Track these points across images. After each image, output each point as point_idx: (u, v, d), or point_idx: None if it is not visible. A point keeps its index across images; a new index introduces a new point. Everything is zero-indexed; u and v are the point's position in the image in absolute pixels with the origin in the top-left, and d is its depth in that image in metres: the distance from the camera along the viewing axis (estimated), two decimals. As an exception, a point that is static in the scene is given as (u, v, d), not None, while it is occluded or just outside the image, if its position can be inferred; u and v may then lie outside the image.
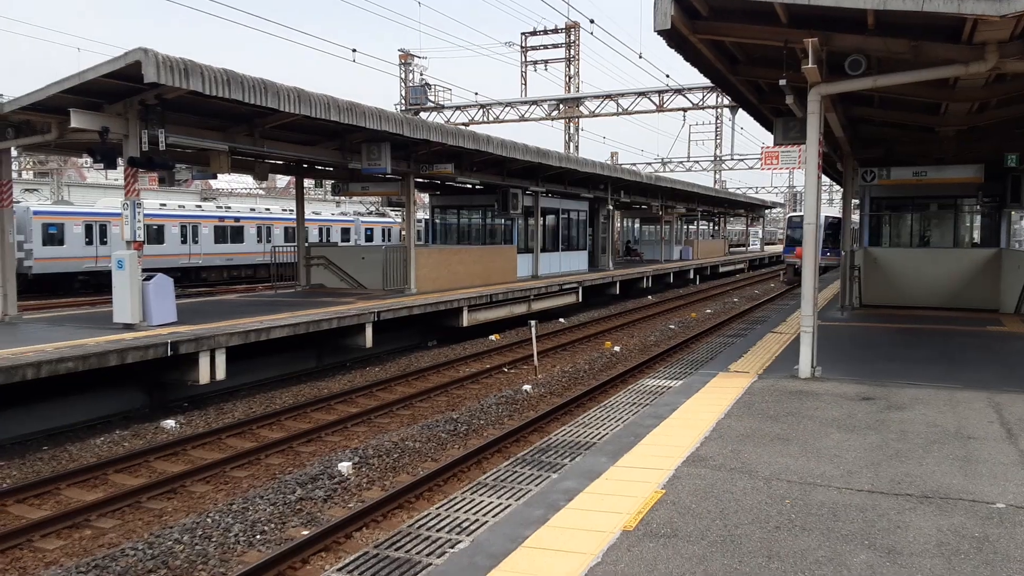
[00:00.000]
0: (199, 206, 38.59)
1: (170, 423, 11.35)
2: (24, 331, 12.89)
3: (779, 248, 76.42)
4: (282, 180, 61.52)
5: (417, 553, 4.94)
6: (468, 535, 5.00)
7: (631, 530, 4.82)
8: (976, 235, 20.67)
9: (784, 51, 9.49)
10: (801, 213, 29.29)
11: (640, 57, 33.70)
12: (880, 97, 12.44)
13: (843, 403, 8.26)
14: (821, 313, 10.09)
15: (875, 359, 11.01)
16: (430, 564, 4.68)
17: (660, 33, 8.98)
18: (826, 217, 35.18)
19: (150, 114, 12.80)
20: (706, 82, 18.67)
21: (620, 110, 36.07)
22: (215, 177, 17.59)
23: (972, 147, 16.60)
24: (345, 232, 45.69)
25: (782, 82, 9.64)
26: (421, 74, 42.66)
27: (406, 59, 43.22)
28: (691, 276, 39.63)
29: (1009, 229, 18.49)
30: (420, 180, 22.02)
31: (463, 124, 38.16)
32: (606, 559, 4.42)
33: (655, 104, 35.15)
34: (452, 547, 4.84)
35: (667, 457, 6.37)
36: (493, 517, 5.29)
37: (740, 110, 33.53)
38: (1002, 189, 17.84)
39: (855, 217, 26.73)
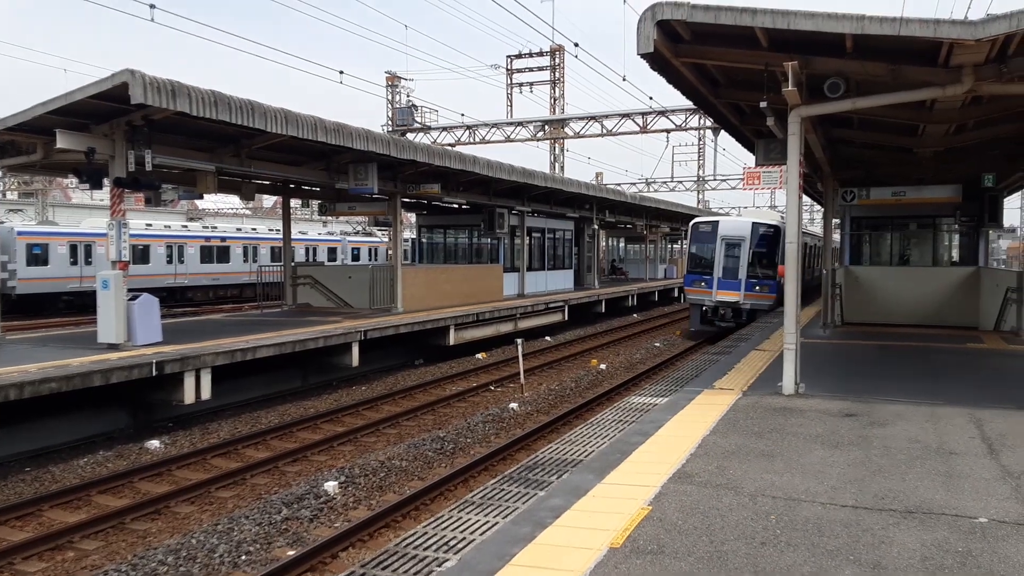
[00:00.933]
0: (185, 226, 38.45)
1: (155, 443, 11.27)
2: (7, 351, 12.79)
3: None
4: (269, 200, 61.43)
5: (404, 572, 4.94)
6: (455, 553, 5.01)
7: (618, 547, 4.85)
8: (955, 254, 20.96)
9: (765, 74, 9.66)
10: (709, 219, 23.97)
11: (624, 80, 34.13)
12: (859, 119, 12.66)
13: (826, 419, 8.34)
14: (803, 331, 10.20)
15: (857, 376, 11.12)
16: (418, 582, 4.69)
17: (643, 56, 9.12)
18: (753, 225, 22.91)
19: (137, 135, 12.81)
20: (689, 104, 18.92)
21: (605, 131, 36.40)
22: (201, 197, 17.57)
23: (950, 167, 16.88)
24: (332, 252, 45.63)
25: (763, 104, 9.80)
26: (408, 95, 42.87)
27: (393, 81, 43.44)
28: (676, 295, 39.83)
29: (987, 248, 18.77)
30: (407, 200, 22.09)
31: (450, 145, 38.34)
32: (593, 576, 4.44)
33: (639, 125, 35.49)
34: (439, 566, 4.85)
35: (653, 474, 6.40)
36: (480, 535, 5.30)
37: (722, 131, 34.01)
38: (979, 209, 18.13)
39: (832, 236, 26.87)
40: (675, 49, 9.43)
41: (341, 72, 29.25)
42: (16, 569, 7.21)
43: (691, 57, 9.78)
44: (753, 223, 22.82)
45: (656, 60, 9.41)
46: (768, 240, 22.38)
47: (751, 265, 22.32)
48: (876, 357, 13.07)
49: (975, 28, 7.75)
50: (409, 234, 39.44)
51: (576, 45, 41.64)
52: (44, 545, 7.65)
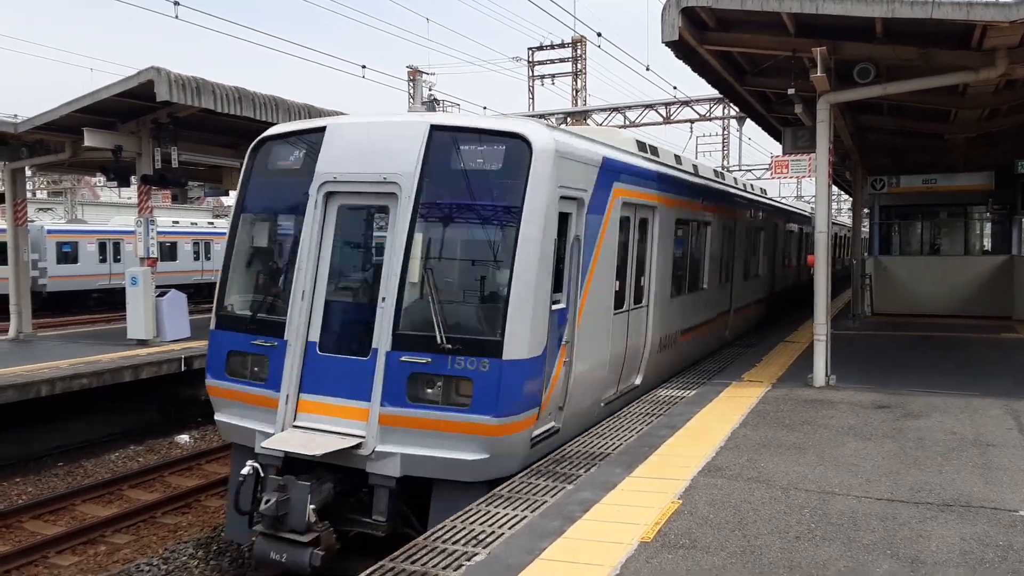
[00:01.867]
0: (211, 223, 38.80)
1: (184, 438, 11.38)
2: (39, 348, 12.97)
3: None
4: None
5: (434, 566, 4.91)
6: (484, 547, 4.98)
7: (649, 541, 4.79)
8: (987, 242, 20.54)
9: (792, 61, 9.50)
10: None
11: (647, 69, 33.71)
12: (889, 105, 12.42)
13: (859, 411, 8.20)
14: (832, 322, 10.04)
15: (889, 367, 10.94)
16: (447, 577, 4.66)
17: (668, 44, 9.00)
18: (435, 131, 6.78)
19: (162, 132, 12.91)
20: (713, 93, 18.74)
21: (627, 123, 36.13)
22: (227, 194, 17.70)
23: (982, 154, 16.54)
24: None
25: (791, 91, 9.65)
26: (430, 89, 42.89)
27: (414, 75, 43.48)
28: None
29: (1021, 236, 18.38)
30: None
31: (471, 138, 38.25)
32: (625, 571, 4.39)
33: (662, 116, 35.20)
34: (468, 560, 4.81)
35: (683, 467, 6.33)
36: (509, 529, 5.26)
37: (747, 121, 33.58)
38: (1013, 196, 17.75)
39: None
40: (700, 36, 9.30)
41: (363, 67, 29.39)
42: (50, 563, 7.31)
43: (716, 44, 9.64)
44: (433, 127, 6.85)
45: (681, 48, 9.30)
46: (501, 191, 6.71)
47: (439, 291, 6.63)
48: (908, 348, 12.85)
49: (1009, 10, 7.55)
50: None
51: (599, 35, 41.28)
52: (77, 539, 7.75)
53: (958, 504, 5.37)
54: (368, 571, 4.76)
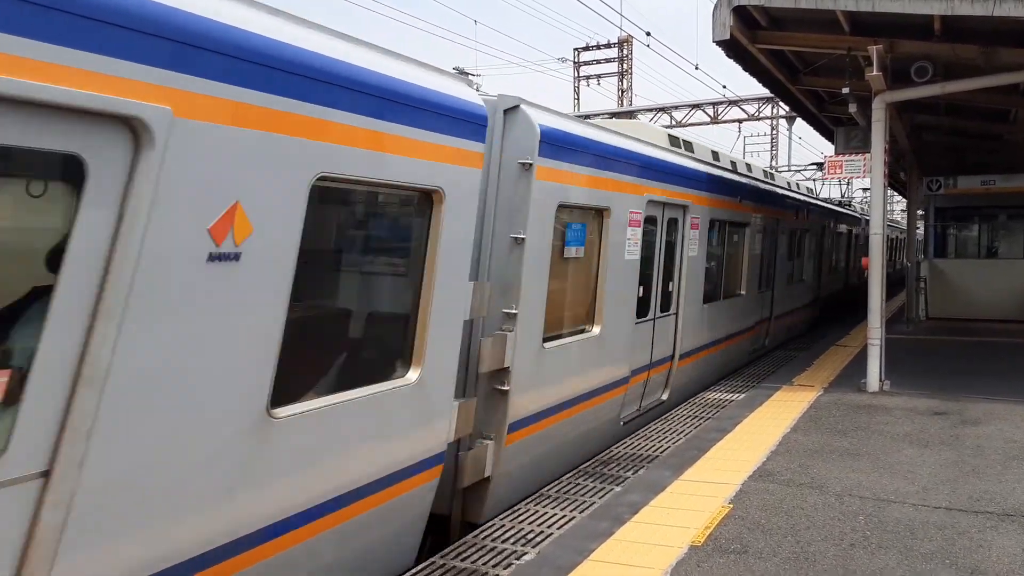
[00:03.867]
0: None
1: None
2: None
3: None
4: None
5: (483, 564, 4.95)
6: (534, 547, 4.99)
7: (699, 545, 4.76)
8: None
9: (847, 59, 9.34)
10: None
11: (696, 68, 33.33)
12: (946, 104, 12.12)
13: (914, 417, 8.02)
14: (886, 326, 9.84)
15: (945, 372, 10.67)
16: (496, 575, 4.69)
17: (719, 44, 8.93)
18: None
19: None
20: (762, 92, 18.42)
21: (674, 123, 35.82)
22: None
23: (1044, 154, 16.04)
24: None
25: (845, 90, 9.48)
26: (477, 90, 43.09)
27: (461, 76, 43.73)
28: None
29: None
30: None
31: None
32: (675, 574, 4.37)
33: (709, 116, 34.84)
34: (518, 559, 4.84)
35: (733, 471, 6.26)
36: (558, 529, 5.27)
37: (796, 120, 33.01)
38: (1075, 198, 17.17)
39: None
40: (752, 35, 9.21)
41: (410, 69, 29.55)
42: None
43: (768, 43, 9.53)
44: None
45: (732, 47, 9.22)
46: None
47: None
48: (965, 353, 12.51)
49: (1077, 6, 7.32)
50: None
51: (648, 34, 41.01)
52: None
53: (1019, 514, 5.22)
54: (419, 567, 4.82)
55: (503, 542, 5.22)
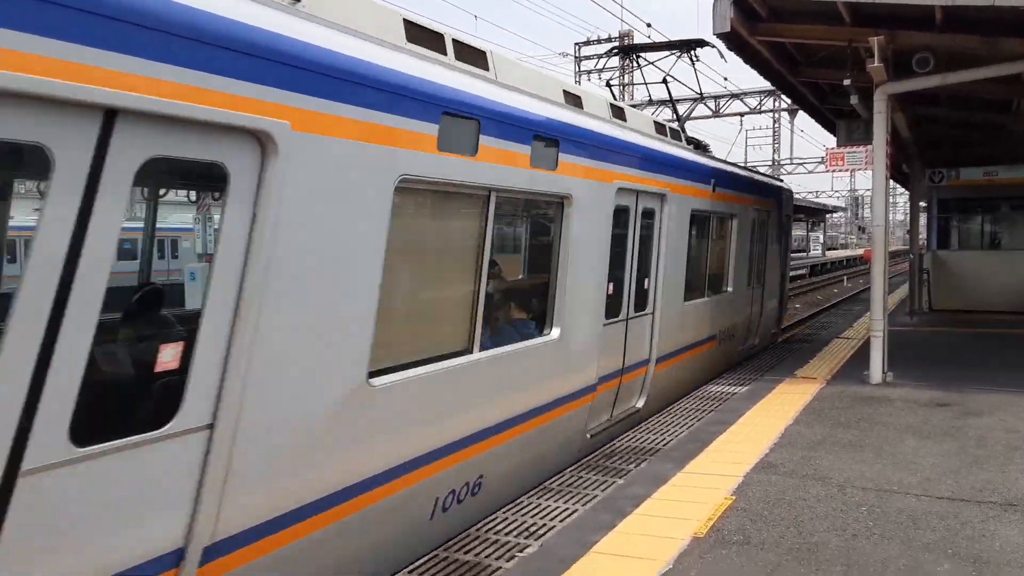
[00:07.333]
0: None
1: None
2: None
3: (845, 254, 69.56)
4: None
5: (486, 556, 4.96)
6: (536, 539, 5.01)
7: (702, 537, 4.77)
8: None
9: (848, 51, 9.31)
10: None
11: (697, 60, 33.32)
12: (948, 95, 12.09)
13: (917, 409, 8.02)
14: (889, 318, 9.83)
15: (948, 364, 10.66)
16: (499, 568, 4.70)
17: (719, 36, 8.92)
18: None
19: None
20: (764, 86, 18.48)
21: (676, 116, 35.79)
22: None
23: (1047, 145, 15.98)
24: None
25: (847, 82, 9.45)
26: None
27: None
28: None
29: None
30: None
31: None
32: (678, 566, 4.38)
33: (711, 109, 34.80)
34: (521, 551, 4.85)
35: (735, 463, 6.27)
36: (560, 522, 5.28)
37: (799, 113, 32.95)
38: (1079, 188, 17.13)
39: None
40: (752, 28, 9.19)
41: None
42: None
43: (769, 35, 9.51)
44: None
45: (732, 40, 9.21)
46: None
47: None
48: (967, 345, 12.50)
49: (1079, -6, 7.29)
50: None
51: (648, 26, 40.87)
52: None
53: (1022, 504, 5.22)
54: (422, 559, 4.83)
55: (506, 535, 5.24)
